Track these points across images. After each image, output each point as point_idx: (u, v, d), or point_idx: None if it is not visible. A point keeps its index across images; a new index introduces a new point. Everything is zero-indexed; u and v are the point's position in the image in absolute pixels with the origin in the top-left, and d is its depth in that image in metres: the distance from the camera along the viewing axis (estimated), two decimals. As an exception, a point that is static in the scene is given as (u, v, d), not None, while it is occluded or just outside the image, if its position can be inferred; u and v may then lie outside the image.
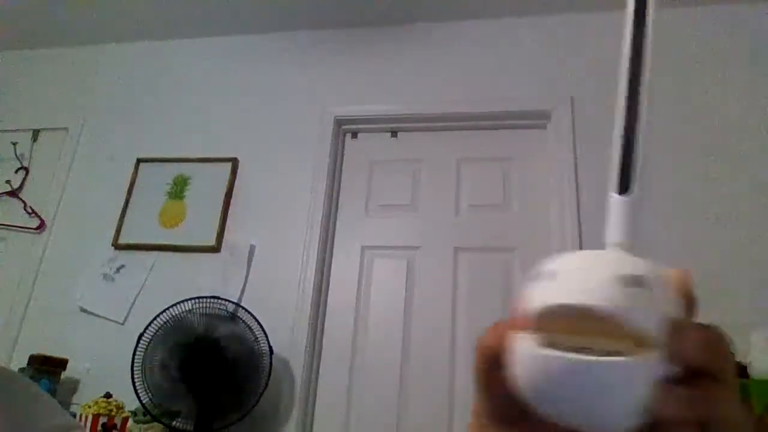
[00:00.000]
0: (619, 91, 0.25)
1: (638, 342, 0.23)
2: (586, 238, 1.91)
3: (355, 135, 2.38)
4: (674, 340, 0.23)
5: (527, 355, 0.24)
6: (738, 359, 1.48)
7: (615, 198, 0.25)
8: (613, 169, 0.25)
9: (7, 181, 2.53)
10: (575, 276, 0.24)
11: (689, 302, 0.24)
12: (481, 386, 0.27)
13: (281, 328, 1.98)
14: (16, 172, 2.55)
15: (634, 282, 0.23)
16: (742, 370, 1.45)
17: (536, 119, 2.19)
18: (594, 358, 0.23)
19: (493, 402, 0.27)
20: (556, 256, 0.25)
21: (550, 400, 0.24)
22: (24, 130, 2.64)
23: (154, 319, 1.81)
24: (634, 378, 0.22)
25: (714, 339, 0.23)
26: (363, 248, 2.16)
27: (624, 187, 0.25)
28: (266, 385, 1.79)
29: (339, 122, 2.34)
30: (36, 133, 2.64)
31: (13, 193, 2.51)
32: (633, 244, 0.25)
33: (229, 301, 1.89)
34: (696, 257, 1.82)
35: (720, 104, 2.02)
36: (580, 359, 0.23)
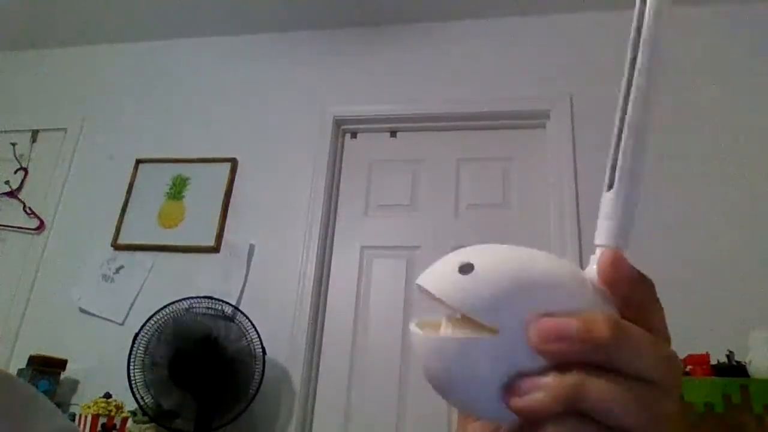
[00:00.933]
0: (622, 88, 0.25)
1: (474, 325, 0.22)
2: (585, 236, 1.92)
3: (354, 135, 2.38)
4: (507, 322, 0.22)
5: (412, 337, 0.24)
6: (737, 358, 1.48)
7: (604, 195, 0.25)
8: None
9: (7, 182, 2.52)
10: (440, 262, 0.24)
11: (613, 287, 0.23)
12: None
13: (281, 327, 1.99)
14: (16, 172, 2.55)
15: (462, 269, 0.23)
16: (742, 370, 1.44)
17: (535, 119, 2.19)
18: (432, 335, 0.23)
19: None
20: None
21: (429, 376, 0.23)
22: (23, 131, 2.63)
23: (149, 319, 1.80)
24: (472, 355, 0.22)
25: (555, 328, 0.21)
26: (362, 248, 2.16)
27: (610, 184, 0.25)
28: (260, 384, 1.79)
29: (338, 122, 2.34)
30: (35, 134, 2.63)
31: (13, 194, 2.51)
32: (610, 237, 0.25)
33: (224, 302, 1.88)
34: (696, 257, 1.82)
35: (721, 105, 2.02)
36: (423, 335, 0.23)
